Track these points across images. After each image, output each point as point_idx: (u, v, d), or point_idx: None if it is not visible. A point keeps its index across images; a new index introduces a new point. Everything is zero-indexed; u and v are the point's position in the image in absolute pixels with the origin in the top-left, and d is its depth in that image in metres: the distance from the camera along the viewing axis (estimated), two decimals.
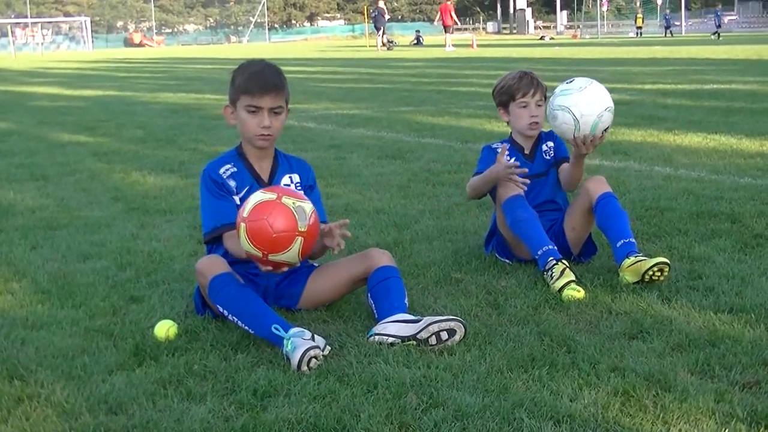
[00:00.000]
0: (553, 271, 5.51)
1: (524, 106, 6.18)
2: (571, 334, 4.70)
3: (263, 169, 5.36)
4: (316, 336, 4.57)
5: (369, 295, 5.02)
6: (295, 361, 4.38)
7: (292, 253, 4.63)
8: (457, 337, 4.65)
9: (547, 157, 6.32)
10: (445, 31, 55.45)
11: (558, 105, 5.83)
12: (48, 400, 4.09)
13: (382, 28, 59.56)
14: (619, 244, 5.69)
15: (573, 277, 5.45)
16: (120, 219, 7.97)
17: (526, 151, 6.30)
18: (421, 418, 3.78)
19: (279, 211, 4.59)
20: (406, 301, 4.95)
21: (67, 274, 6.18)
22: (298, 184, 5.40)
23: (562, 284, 5.40)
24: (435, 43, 72.66)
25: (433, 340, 4.62)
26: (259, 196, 4.69)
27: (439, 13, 56.10)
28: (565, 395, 3.96)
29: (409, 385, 4.10)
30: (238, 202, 5.16)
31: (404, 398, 3.95)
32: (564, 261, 5.57)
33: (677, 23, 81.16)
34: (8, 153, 12.88)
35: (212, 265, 4.92)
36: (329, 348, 4.56)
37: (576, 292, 5.31)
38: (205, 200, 5.29)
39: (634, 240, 5.72)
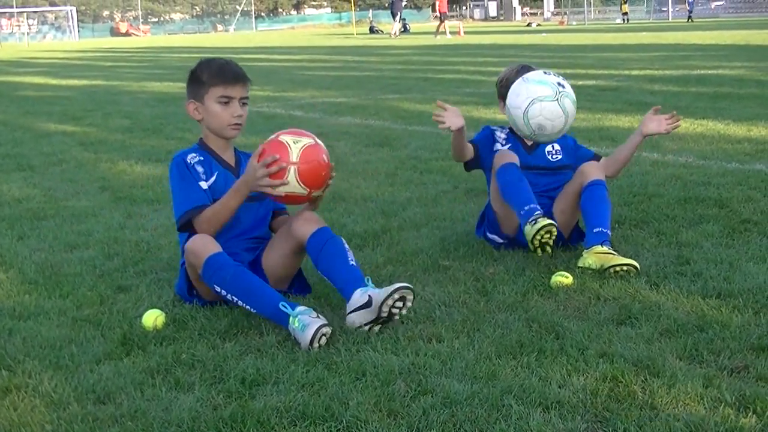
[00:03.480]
0: (535, 218, 5.61)
1: None
2: (559, 321, 4.71)
3: (228, 157, 5.45)
4: (319, 314, 4.61)
5: (318, 271, 5.06)
6: (307, 338, 4.44)
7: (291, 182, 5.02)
8: (409, 303, 4.70)
9: (552, 159, 6.30)
10: (441, 20, 54.85)
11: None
12: (36, 390, 4.09)
13: (398, 14, 59.65)
14: (595, 230, 5.71)
15: (549, 221, 5.59)
16: (107, 209, 7.96)
17: (528, 143, 6.28)
18: (410, 405, 3.78)
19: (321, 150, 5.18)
20: (351, 261, 4.97)
21: (54, 264, 6.17)
22: None
23: (538, 227, 5.54)
24: (422, 31, 72.51)
25: (394, 311, 4.67)
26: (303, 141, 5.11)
27: (437, 1, 55.34)
28: (554, 381, 3.96)
29: (398, 372, 4.10)
30: (205, 187, 5.29)
31: (393, 386, 3.96)
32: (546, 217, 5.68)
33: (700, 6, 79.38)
34: None
35: (205, 245, 4.92)
36: (330, 327, 4.59)
37: (564, 279, 5.32)
38: (176, 185, 5.33)
39: (610, 233, 5.73)
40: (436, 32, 53.05)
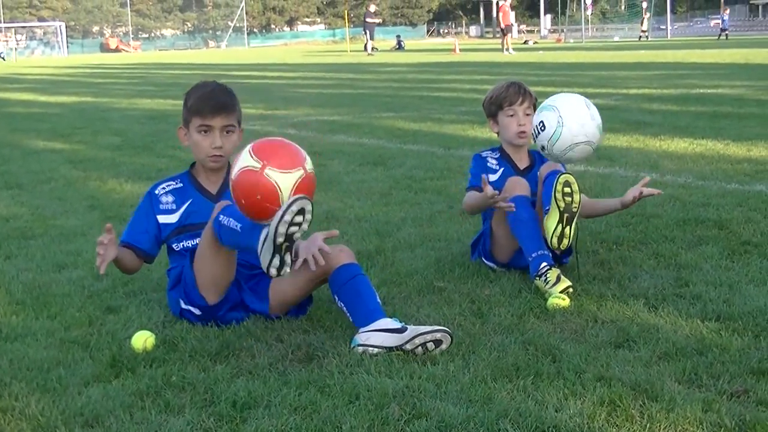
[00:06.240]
0: (548, 276, 5.50)
1: (512, 115, 6.21)
2: (556, 343, 4.67)
3: (213, 182, 5.49)
4: None
5: (337, 297, 4.98)
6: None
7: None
8: (444, 346, 4.64)
9: None
10: (504, 33, 54.55)
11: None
12: (23, 413, 4.05)
13: (368, 32, 60.20)
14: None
15: (570, 283, 5.45)
16: (96, 228, 7.84)
17: (520, 167, 6.28)
18: (404, 430, 3.75)
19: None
20: (378, 299, 4.93)
21: (42, 285, 6.12)
22: None
23: (560, 289, 5.39)
24: (416, 48, 72.74)
25: (419, 350, 4.61)
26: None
27: (501, 14, 55.15)
28: (551, 405, 3.93)
29: (392, 395, 4.06)
30: (174, 220, 5.41)
31: (387, 409, 3.92)
32: (557, 267, 5.58)
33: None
34: None
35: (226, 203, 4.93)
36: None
37: (561, 300, 5.28)
38: (135, 212, 5.53)
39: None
40: (504, 47, 52.80)
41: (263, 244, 4.49)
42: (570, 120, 5.69)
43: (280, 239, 4.42)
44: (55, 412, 4.02)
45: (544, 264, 5.58)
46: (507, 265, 6.04)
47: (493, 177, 6.17)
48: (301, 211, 4.44)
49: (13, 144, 14.78)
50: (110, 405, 4.08)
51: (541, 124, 5.75)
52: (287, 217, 4.39)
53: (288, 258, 4.49)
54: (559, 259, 6.02)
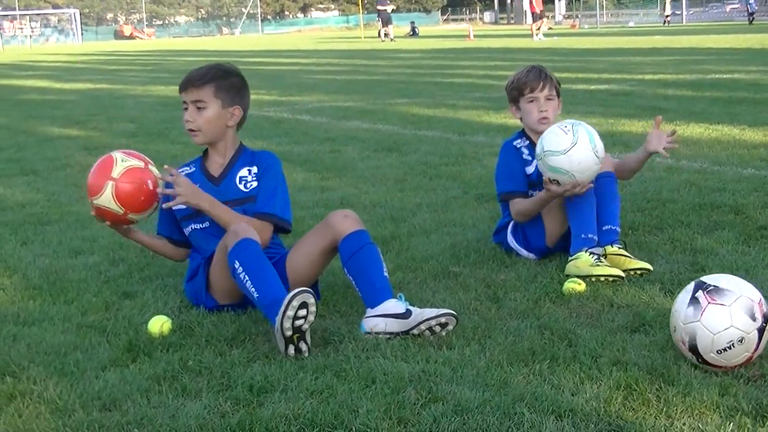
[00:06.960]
0: (596, 252, 5.55)
1: (532, 101, 6.09)
2: (572, 328, 4.67)
3: (218, 165, 5.43)
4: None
5: (346, 270, 4.95)
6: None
7: (106, 197, 5.09)
8: (450, 328, 4.66)
9: None
10: (535, 19, 53.84)
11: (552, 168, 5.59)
12: (41, 397, 4.06)
13: (379, 20, 60.28)
14: (604, 228, 5.73)
15: (618, 273, 5.46)
16: None
17: None
18: (420, 413, 3.75)
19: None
20: (385, 272, 4.91)
21: (59, 270, 6.14)
22: (256, 174, 5.43)
23: (607, 272, 5.43)
24: (430, 34, 72.54)
25: (426, 334, 4.62)
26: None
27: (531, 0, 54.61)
28: (567, 389, 3.93)
29: (408, 379, 4.06)
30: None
31: (403, 393, 3.92)
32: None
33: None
34: None
35: (247, 230, 4.86)
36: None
37: (577, 285, 5.27)
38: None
39: (619, 228, 5.78)
40: (535, 33, 52.38)
41: (275, 332, 4.49)
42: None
43: (288, 333, 4.41)
44: (73, 396, 4.04)
45: (597, 247, 5.61)
46: (547, 250, 5.98)
47: (530, 169, 6.08)
48: (304, 305, 4.43)
49: (28, 131, 14.82)
50: (127, 389, 4.10)
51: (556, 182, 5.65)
52: (290, 312, 4.38)
53: (303, 345, 4.45)
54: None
